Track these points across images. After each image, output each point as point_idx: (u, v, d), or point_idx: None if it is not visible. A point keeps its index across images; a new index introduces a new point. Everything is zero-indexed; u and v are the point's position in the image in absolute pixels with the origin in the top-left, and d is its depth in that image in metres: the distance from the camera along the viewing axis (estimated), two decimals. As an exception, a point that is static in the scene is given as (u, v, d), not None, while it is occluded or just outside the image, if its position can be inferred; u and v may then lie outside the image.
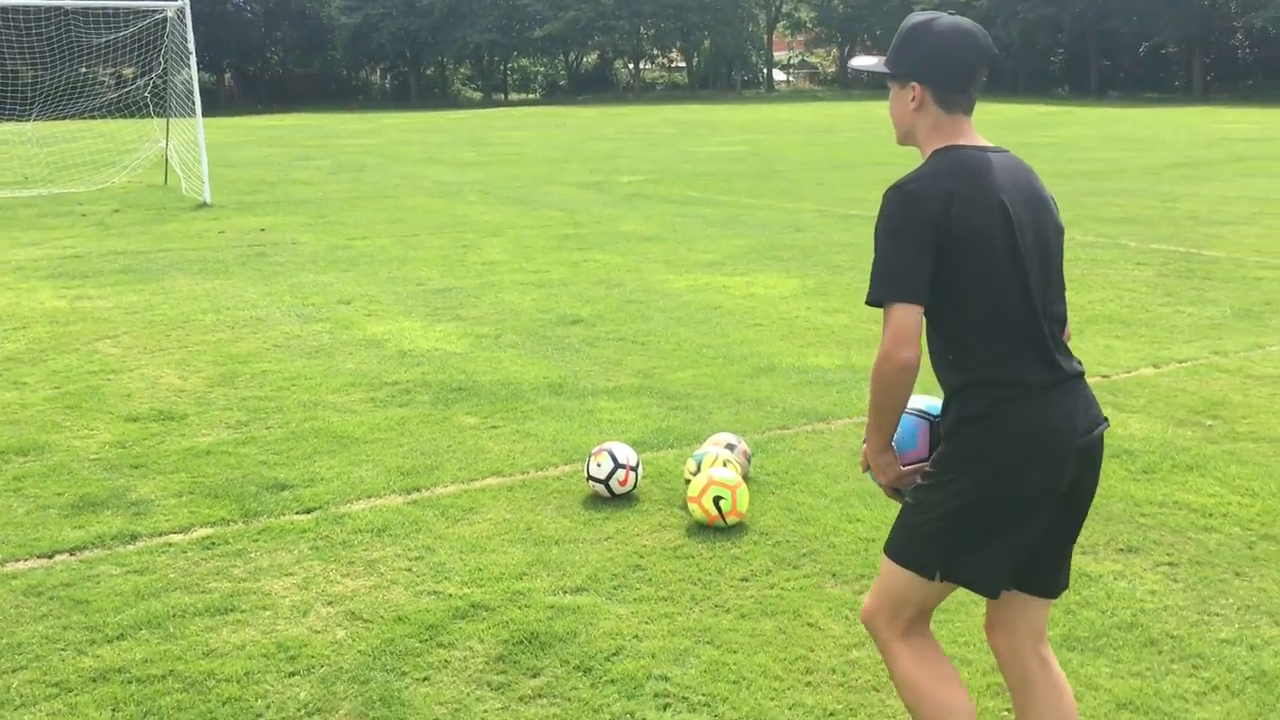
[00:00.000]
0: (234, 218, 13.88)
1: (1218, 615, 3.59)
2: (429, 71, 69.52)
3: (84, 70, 20.85)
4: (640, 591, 3.78)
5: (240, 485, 4.79)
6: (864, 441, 2.49)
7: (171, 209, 14.95)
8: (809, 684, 3.22)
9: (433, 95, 67.12)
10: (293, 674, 3.30)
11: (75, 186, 17.48)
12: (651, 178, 18.27)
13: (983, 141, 2.39)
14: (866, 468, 2.52)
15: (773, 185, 16.91)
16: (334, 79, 68.45)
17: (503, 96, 69.18)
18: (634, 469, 4.55)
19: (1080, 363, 2.43)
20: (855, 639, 3.45)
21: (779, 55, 79.49)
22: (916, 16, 2.40)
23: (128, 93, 19.80)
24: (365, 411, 5.84)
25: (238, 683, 3.25)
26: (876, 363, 2.32)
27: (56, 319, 8.17)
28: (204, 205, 15.05)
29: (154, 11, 17.35)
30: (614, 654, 3.37)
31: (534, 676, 3.27)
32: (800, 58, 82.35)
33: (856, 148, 24.23)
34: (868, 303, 2.34)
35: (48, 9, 18.27)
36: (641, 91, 68.38)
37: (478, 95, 69.42)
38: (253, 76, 65.89)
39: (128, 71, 22.65)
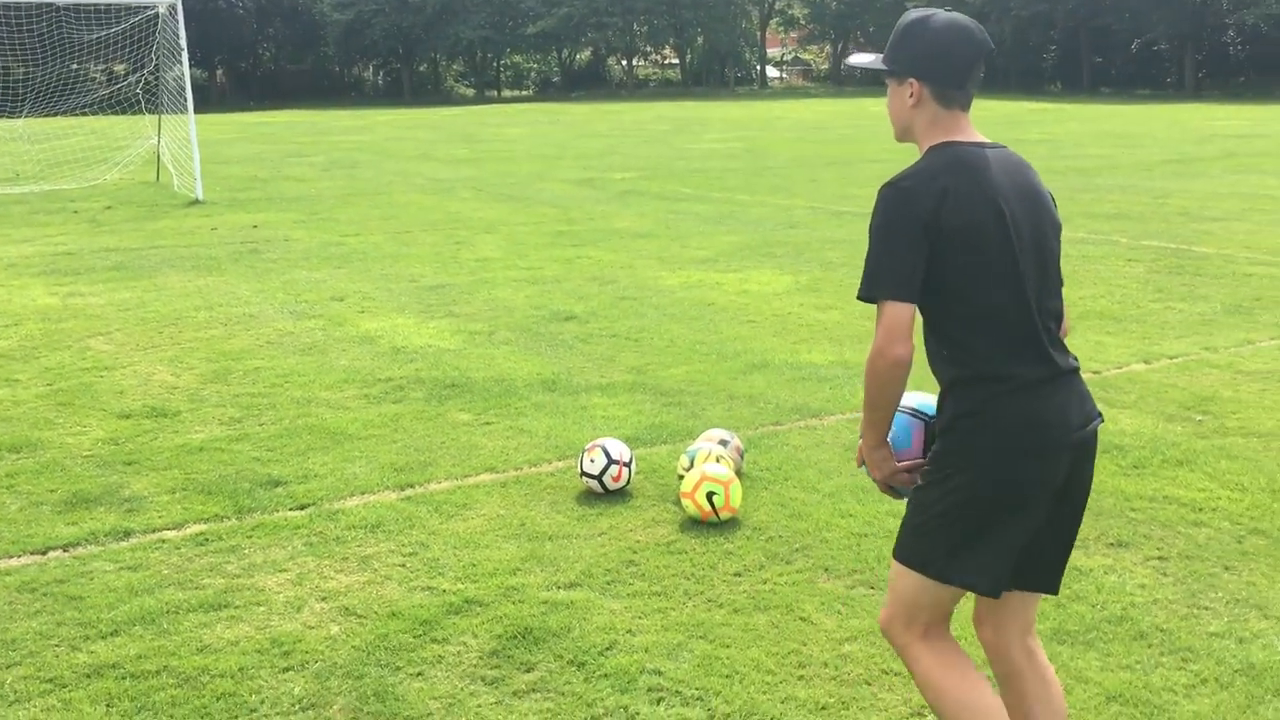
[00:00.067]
0: (226, 214, 13.85)
1: (1207, 609, 3.61)
2: (422, 68, 69.42)
3: (75, 67, 20.81)
4: (634, 586, 3.79)
5: (234, 482, 4.80)
6: (860, 437, 2.50)
7: (163, 206, 14.92)
8: (801, 678, 3.24)
9: (425, 92, 67.01)
10: (287, 669, 3.31)
11: (67, 183, 17.43)
12: (645, 174, 18.28)
13: (980, 138, 2.40)
14: (861, 462, 2.54)
15: (766, 182, 16.92)
16: (326, 75, 68.31)
17: (496, 93, 69.09)
18: (627, 465, 4.57)
19: (1075, 358, 2.44)
20: (847, 633, 3.47)
21: (772, 52, 79.52)
22: (913, 13, 2.41)
23: (119, 89, 19.75)
24: (358, 408, 5.84)
25: (232, 678, 3.26)
26: (870, 359, 2.33)
27: (49, 316, 8.16)
28: (196, 202, 15.03)
29: (146, 8, 17.30)
30: (607, 649, 3.39)
31: (528, 671, 3.29)
32: (793, 54, 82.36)
33: (849, 144, 24.26)
34: (859, 298, 2.35)
35: (39, 5, 18.21)
36: (635, 88, 68.35)
37: (470, 92, 69.32)
38: (245, 73, 65.72)
39: (119, 68, 22.62)
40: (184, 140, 16.54)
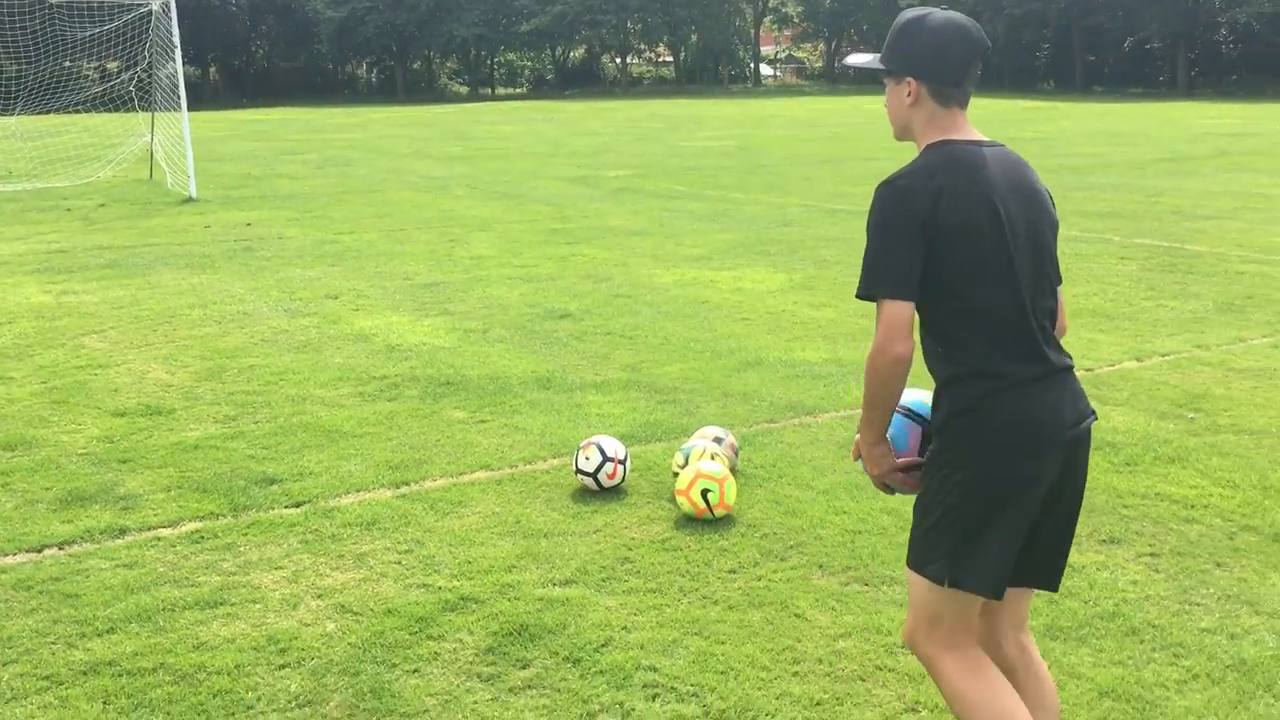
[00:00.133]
0: (220, 212, 13.83)
1: (1199, 605, 3.64)
2: (415, 66, 69.30)
3: (68, 64, 20.74)
4: (629, 583, 3.81)
5: (229, 479, 4.80)
6: (858, 433, 2.52)
7: (157, 203, 14.89)
8: (796, 674, 3.25)
9: (419, 89, 66.91)
10: (283, 666, 3.32)
11: (60, 181, 17.39)
12: (639, 172, 18.28)
13: (978, 136, 2.42)
14: (858, 456, 2.55)
15: (760, 180, 16.94)
16: (320, 73, 68.17)
17: (489, 91, 69.01)
18: (622, 462, 4.58)
19: (1069, 356, 2.46)
20: (841, 629, 3.49)
21: (766, 50, 79.51)
22: (910, 12, 2.43)
23: (112, 87, 19.71)
24: (353, 406, 5.85)
25: (228, 675, 3.27)
26: (870, 357, 2.34)
27: (42, 314, 8.15)
28: (189, 200, 15.00)
29: (139, 5, 17.26)
30: (603, 645, 3.40)
31: (523, 668, 3.30)
32: (787, 52, 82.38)
33: (843, 142, 24.29)
34: (859, 296, 2.36)
35: (32, 2, 18.16)
36: (629, 86, 68.33)
37: (464, 90, 69.25)
38: (238, 70, 65.56)
39: (112, 65, 22.56)
40: (177, 138, 16.51)
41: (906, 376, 2.34)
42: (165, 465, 4.99)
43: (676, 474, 4.50)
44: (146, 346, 7.16)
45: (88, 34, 18.13)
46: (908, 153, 2.44)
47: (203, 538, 4.22)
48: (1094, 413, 2.47)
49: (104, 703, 3.14)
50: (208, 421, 5.61)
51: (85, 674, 3.28)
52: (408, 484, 4.75)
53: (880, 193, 2.36)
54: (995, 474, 2.33)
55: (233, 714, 3.09)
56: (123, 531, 4.28)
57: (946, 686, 2.42)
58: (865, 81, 51.74)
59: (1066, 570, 3.75)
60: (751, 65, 74.51)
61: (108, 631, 3.52)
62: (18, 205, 14.86)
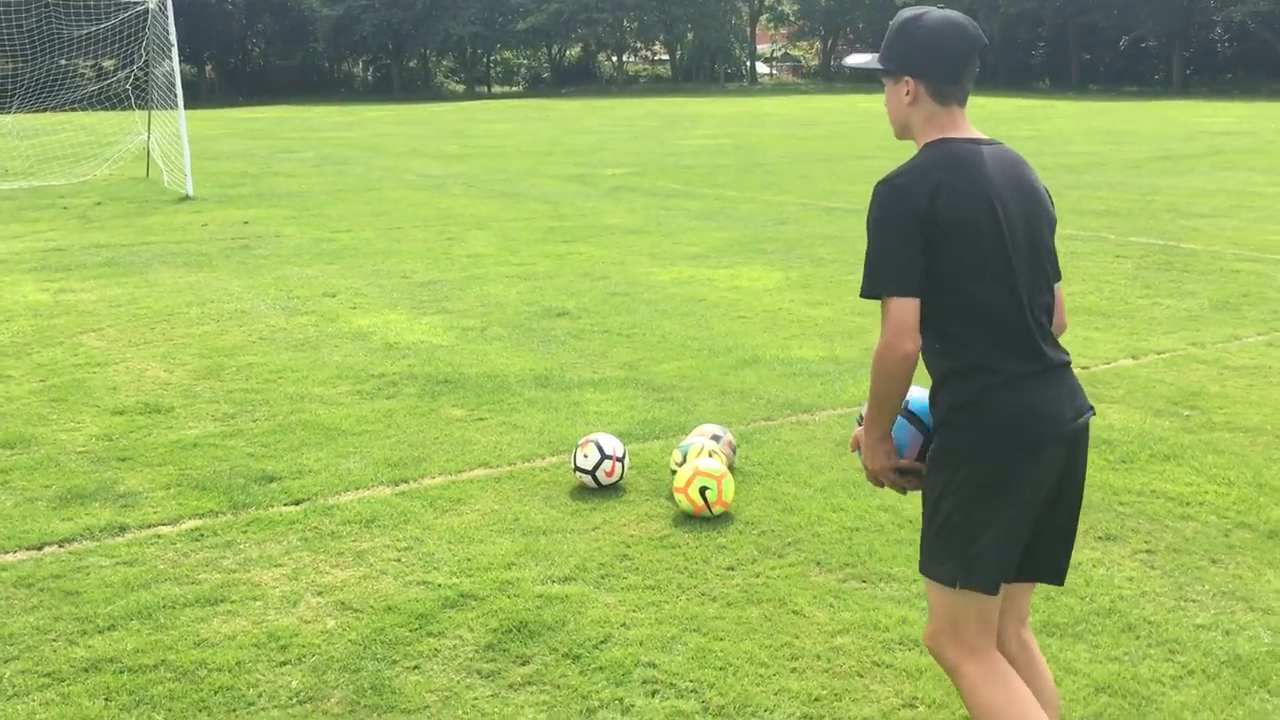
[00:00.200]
0: (217, 210, 13.83)
1: (1194, 601, 3.66)
2: (411, 64, 69.23)
3: (64, 62, 20.71)
4: (628, 580, 3.82)
5: (228, 477, 4.81)
6: (858, 424, 2.54)
7: (153, 202, 14.88)
8: (794, 670, 3.27)
9: (415, 88, 66.86)
10: (284, 663, 3.34)
11: (56, 179, 17.37)
12: (635, 171, 18.29)
13: (976, 133, 2.44)
14: (856, 448, 2.57)
15: (756, 178, 16.96)
16: (316, 71, 68.08)
17: (485, 89, 68.96)
18: (620, 460, 4.60)
19: (1066, 352, 2.48)
20: (839, 626, 3.50)
21: (762, 48, 79.52)
22: (906, 12, 2.45)
23: (108, 85, 19.68)
24: (352, 404, 5.86)
25: (229, 672, 3.28)
26: (878, 354, 2.35)
27: (40, 312, 8.15)
28: (186, 198, 15.00)
29: (135, 3, 17.24)
30: (602, 642, 3.42)
31: (523, 664, 3.32)
32: (783, 51, 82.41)
33: (839, 141, 24.31)
34: (863, 295, 2.37)
35: (28, 0, 18.14)
36: (625, 84, 68.31)
37: (460, 88, 69.20)
38: (234, 69, 65.45)
39: (108, 64, 22.51)
40: (174, 136, 16.50)
41: (914, 372, 2.36)
42: (164, 463, 5.00)
43: (674, 471, 4.52)
44: (144, 345, 7.17)
45: (84, 32, 18.11)
46: (904, 150, 2.46)
47: (202, 535, 4.23)
48: (1092, 408, 2.49)
49: (105, 699, 3.15)
50: (206, 419, 5.62)
51: (87, 671, 3.29)
52: (407, 482, 4.77)
53: (879, 191, 2.38)
54: (996, 470, 2.34)
55: (234, 710, 3.11)
56: (123, 529, 4.30)
57: (970, 694, 2.41)
58: (861, 80, 51.72)
59: (1063, 567, 3.81)
60: (747, 63, 74.53)
61: (109, 628, 3.53)
62: (14, 203, 14.84)
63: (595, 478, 4.57)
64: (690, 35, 69.60)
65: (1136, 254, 10.01)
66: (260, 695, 3.17)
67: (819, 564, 3.94)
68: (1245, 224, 11.67)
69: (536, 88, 69.88)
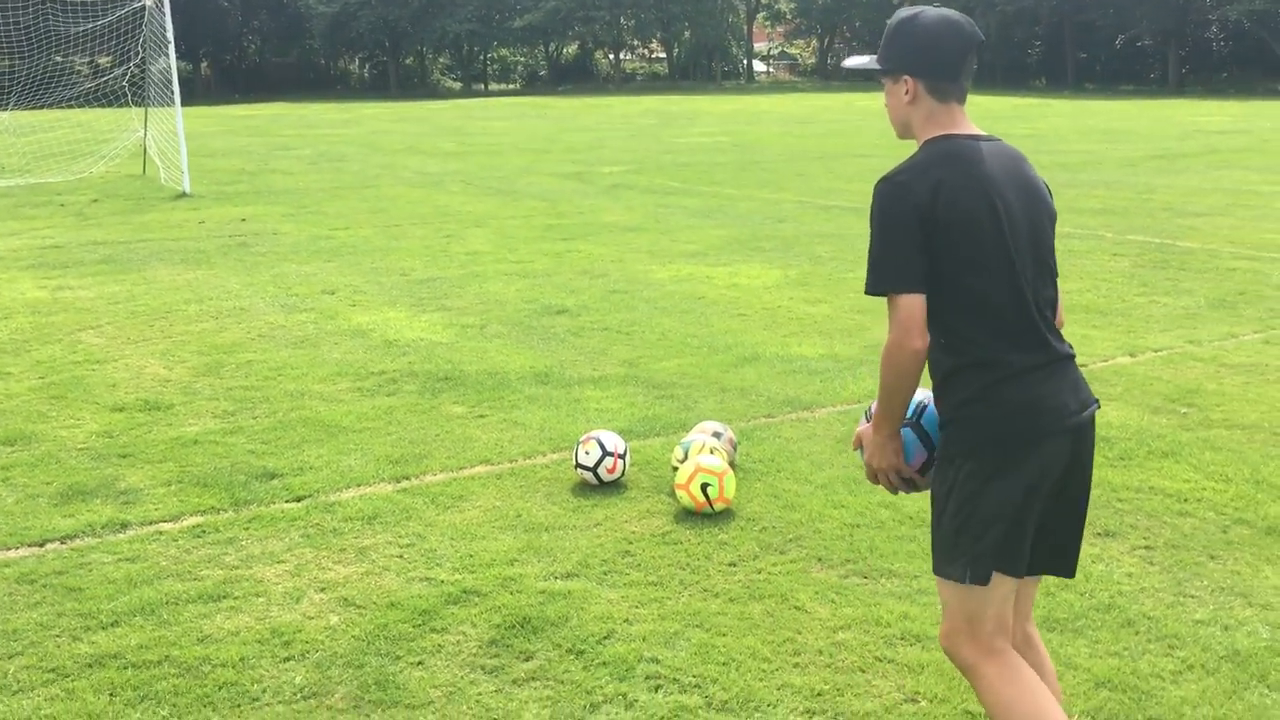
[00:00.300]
0: (214, 208, 13.82)
1: (1193, 597, 3.68)
2: (408, 61, 69.16)
3: (60, 59, 20.67)
4: (630, 577, 3.83)
5: (229, 474, 4.82)
6: (865, 419, 2.55)
7: (150, 199, 14.87)
8: (797, 665, 3.29)
9: (412, 85, 66.80)
10: (288, 659, 3.34)
11: (52, 176, 17.35)
12: (633, 168, 18.30)
13: (976, 130, 2.46)
14: (858, 446, 2.58)
15: (754, 176, 16.97)
16: (312, 68, 67.99)
17: (482, 86, 68.93)
18: (622, 457, 4.61)
19: (1070, 346, 2.50)
20: (841, 621, 3.52)
21: (759, 46, 79.54)
22: (902, 12, 2.48)
23: (105, 82, 19.65)
24: (352, 401, 5.86)
25: (233, 668, 3.29)
26: (887, 352, 2.36)
27: (38, 309, 8.14)
28: (183, 195, 14.98)
29: (132, 0, 17.21)
30: (605, 637, 3.43)
31: (527, 660, 3.33)
32: (780, 49, 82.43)
33: (836, 139, 24.33)
34: (868, 293, 2.39)
35: (24, -3, 18.12)
36: (622, 82, 68.28)
37: (457, 85, 69.15)
38: (230, 66, 65.35)
39: (104, 60, 22.48)
40: (170, 133, 16.48)
41: (922, 368, 2.37)
42: (165, 460, 5.00)
43: (676, 468, 4.53)
44: (143, 342, 7.17)
45: (80, 28, 18.08)
46: (902, 148, 2.48)
47: (204, 532, 4.24)
48: (1097, 401, 2.51)
49: (110, 695, 3.16)
50: (206, 416, 5.63)
51: (90, 666, 3.30)
52: (408, 478, 4.78)
53: (880, 189, 2.40)
54: (1002, 463, 2.36)
55: (238, 706, 3.12)
56: (124, 526, 4.30)
57: (987, 693, 2.41)
58: (858, 78, 51.72)
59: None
60: (744, 61, 74.53)
61: (112, 625, 3.54)
62: (11, 201, 14.82)
63: (597, 474, 4.58)
64: (687, 33, 69.58)
65: (1133, 252, 10.04)
66: (264, 691, 3.18)
67: (820, 560, 3.95)
68: (1241, 222, 11.70)
69: (533, 85, 69.84)
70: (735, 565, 3.92)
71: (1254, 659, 3.30)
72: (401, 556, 4.02)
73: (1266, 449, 5.03)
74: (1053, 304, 2.48)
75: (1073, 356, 2.48)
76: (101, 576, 3.86)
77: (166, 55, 16.18)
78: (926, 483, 2.54)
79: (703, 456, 4.40)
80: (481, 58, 70.67)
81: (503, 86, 70.69)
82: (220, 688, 3.19)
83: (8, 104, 20.09)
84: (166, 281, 9.15)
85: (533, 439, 5.24)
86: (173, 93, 15.95)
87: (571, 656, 3.33)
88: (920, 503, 3.89)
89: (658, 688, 3.17)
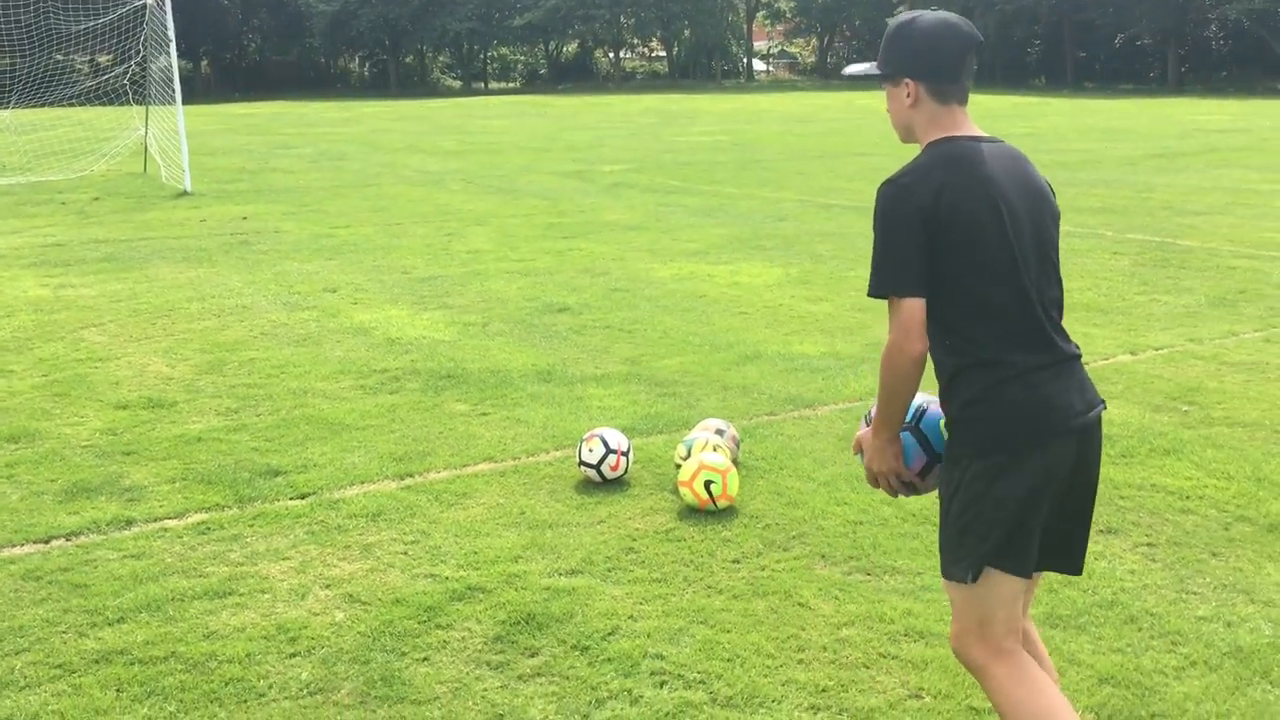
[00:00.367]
0: (215, 206, 13.83)
1: (1195, 594, 3.69)
2: (408, 60, 69.16)
3: (61, 58, 20.67)
4: (634, 573, 3.85)
5: (233, 471, 4.83)
6: (865, 423, 2.56)
7: (151, 197, 14.87)
8: (801, 661, 3.30)
9: (412, 84, 66.79)
10: (293, 655, 3.36)
11: (53, 174, 17.35)
12: (633, 167, 18.31)
13: (978, 132, 2.47)
14: (859, 450, 2.59)
15: (754, 175, 16.98)
16: (312, 67, 67.98)
17: (482, 85, 68.93)
18: (625, 454, 4.62)
19: (1077, 345, 2.51)
20: (845, 618, 3.53)
21: (759, 45, 79.55)
22: (901, 16, 2.50)
23: (105, 80, 19.65)
24: (355, 398, 5.87)
25: (239, 664, 3.30)
26: (887, 354, 2.37)
27: (41, 307, 8.15)
28: (184, 193, 14.99)
29: (132, -1, 17.24)
30: (610, 634, 3.44)
31: (532, 656, 3.34)
32: (780, 48, 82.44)
33: (836, 137, 24.34)
34: (870, 295, 2.40)
35: (24, -5, 18.12)
36: (622, 81, 68.28)
37: (457, 84, 69.14)
38: (230, 64, 65.33)
39: (104, 59, 22.48)
40: (171, 131, 16.48)
41: (922, 371, 2.38)
42: (169, 457, 5.01)
43: (679, 466, 4.55)
44: (146, 340, 7.18)
45: (81, 27, 18.08)
46: (903, 145, 2.49)
47: (209, 529, 4.25)
48: (1103, 401, 2.52)
49: (117, 691, 3.17)
50: (210, 414, 5.64)
51: (97, 662, 3.31)
52: (412, 476, 4.79)
53: (883, 192, 2.41)
54: (1008, 463, 2.36)
55: (245, 702, 3.13)
56: (129, 523, 4.31)
57: (997, 694, 2.41)
58: (857, 77, 51.69)
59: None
60: (744, 60, 74.54)
61: (118, 621, 3.55)
62: (12, 199, 14.82)
63: (600, 472, 4.59)
64: (687, 32, 69.59)
65: (1133, 251, 10.05)
66: (270, 687, 3.19)
67: (824, 557, 3.96)
68: (1241, 221, 11.71)
69: (533, 84, 69.84)
70: (739, 562, 3.94)
71: (1256, 655, 3.31)
72: (406, 553, 4.03)
73: (1268, 446, 5.04)
74: (1058, 304, 2.48)
75: (1079, 356, 2.49)
76: (107, 573, 3.87)
77: (167, 53, 16.19)
78: (927, 486, 2.55)
79: (706, 454, 4.41)
80: (481, 56, 70.67)
81: (503, 85, 70.69)
82: (226, 684, 3.21)
83: (8, 102, 20.09)
84: (168, 279, 9.16)
85: (535, 436, 5.25)
86: (173, 91, 15.95)
87: (576, 653, 3.35)
88: (923, 500, 3.90)
89: (662, 684, 3.19)
